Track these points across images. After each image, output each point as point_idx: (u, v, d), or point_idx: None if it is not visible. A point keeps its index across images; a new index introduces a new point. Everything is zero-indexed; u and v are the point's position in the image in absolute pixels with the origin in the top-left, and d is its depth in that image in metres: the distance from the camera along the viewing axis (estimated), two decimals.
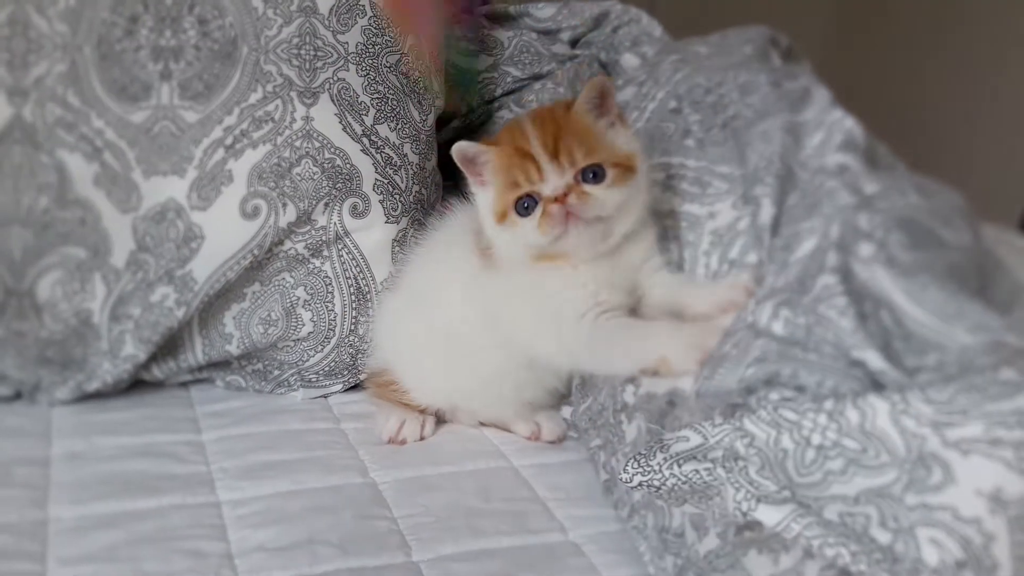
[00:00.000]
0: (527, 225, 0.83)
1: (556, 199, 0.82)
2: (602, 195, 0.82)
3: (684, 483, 0.61)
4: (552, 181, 0.82)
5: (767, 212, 0.82)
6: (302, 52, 1.01)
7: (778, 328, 0.72)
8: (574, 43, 1.37)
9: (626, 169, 0.84)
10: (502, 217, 0.85)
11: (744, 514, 0.58)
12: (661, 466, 0.62)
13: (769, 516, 0.57)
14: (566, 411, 0.99)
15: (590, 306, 0.85)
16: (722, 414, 0.69)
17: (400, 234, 1.04)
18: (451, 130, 1.30)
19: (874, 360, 0.66)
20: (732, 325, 0.76)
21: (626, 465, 0.62)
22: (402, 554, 0.80)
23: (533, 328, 0.88)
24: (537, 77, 1.32)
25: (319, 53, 1.02)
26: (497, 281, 0.89)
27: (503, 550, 0.80)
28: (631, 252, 0.87)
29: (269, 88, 1.00)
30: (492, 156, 0.86)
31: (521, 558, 0.79)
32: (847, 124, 0.89)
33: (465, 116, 1.31)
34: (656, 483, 0.62)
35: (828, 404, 0.59)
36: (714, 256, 0.85)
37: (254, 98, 0.99)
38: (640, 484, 0.62)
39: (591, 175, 0.82)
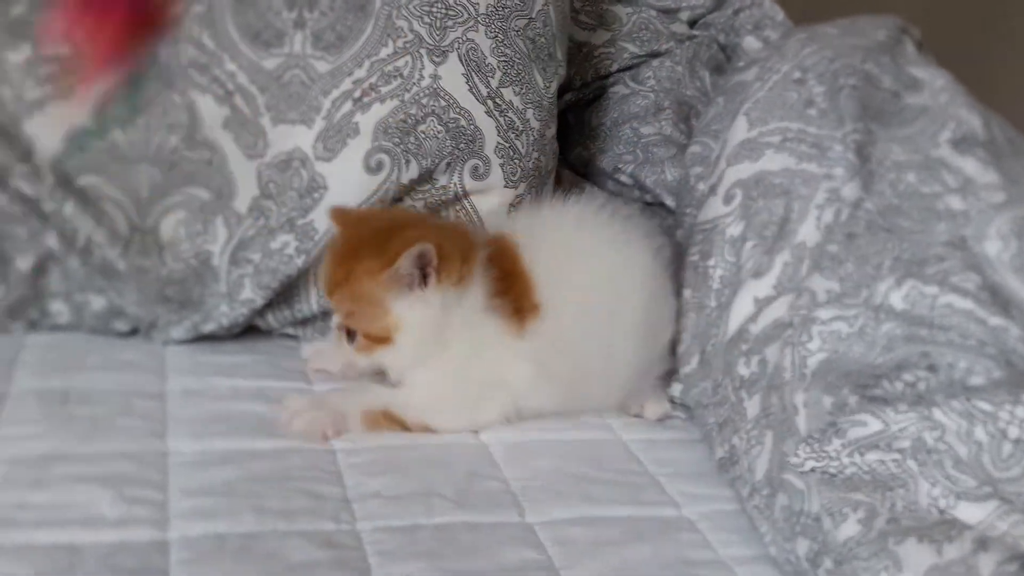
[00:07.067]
0: None
1: (337, 327, 0.89)
2: (350, 352, 0.88)
3: (866, 473, 0.58)
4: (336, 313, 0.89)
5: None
6: (434, 10, 1.01)
7: (898, 301, 0.70)
8: (692, 23, 1.35)
9: (379, 340, 0.86)
10: None
11: (941, 511, 0.55)
12: (840, 453, 0.59)
13: (970, 514, 0.55)
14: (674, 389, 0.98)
15: None
16: (855, 394, 0.67)
17: (517, 200, 1.04)
18: (564, 102, 1.29)
19: (1014, 328, 0.64)
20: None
21: (797, 450, 0.60)
22: (516, 513, 0.79)
23: None
24: (654, 55, 1.30)
25: (450, 12, 1.02)
26: None
27: (617, 519, 0.80)
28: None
29: (400, 44, 0.99)
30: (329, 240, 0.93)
31: (635, 528, 0.79)
32: (963, 117, 0.88)
33: (579, 90, 1.30)
34: (832, 470, 0.59)
35: None
36: (828, 211, 0.84)
37: (384, 52, 0.99)
38: (813, 470, 0.59)
39: (349, 331, 0.87)
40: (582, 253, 0.92)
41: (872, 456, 0.58)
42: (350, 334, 0.87)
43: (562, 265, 0.90)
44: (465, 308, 0.86)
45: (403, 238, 0.85)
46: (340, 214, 0.92)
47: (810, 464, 0.59)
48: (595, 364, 0.91)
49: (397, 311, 0.85)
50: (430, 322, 0.85)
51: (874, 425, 0.59)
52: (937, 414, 0.58)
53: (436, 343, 0.86)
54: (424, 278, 0.84)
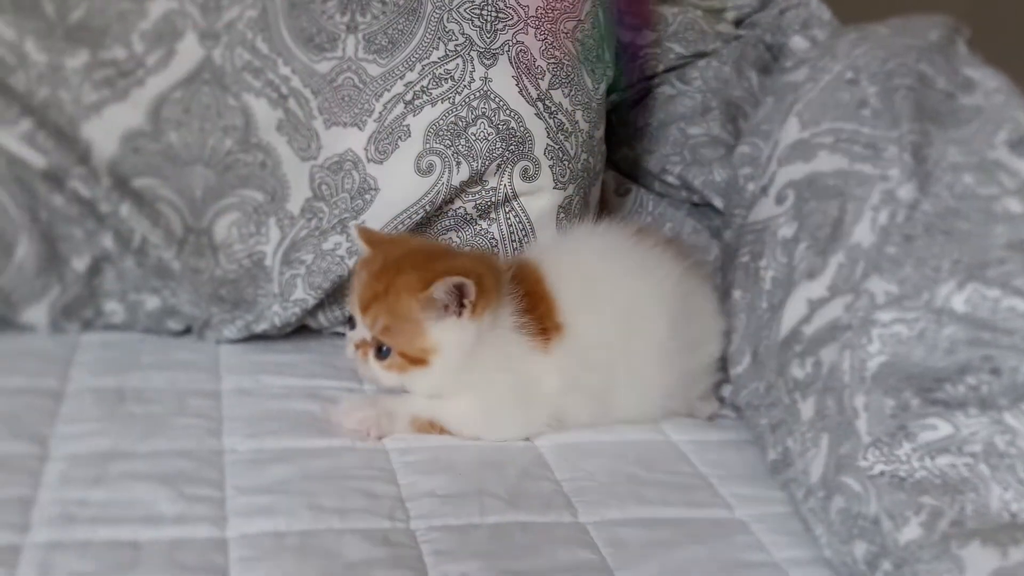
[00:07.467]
0: None
1: (356, 344, 0.88)
2: (376, 369, 0.88)
3: (937, 477, 0.58)
4: (359, 329, 0.88)
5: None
6: (484, 12, 1.01)
7: (960, 304, 0.70)
8: (738, 23, 1.35)
9: (415, 360, 0.86)
10: None
11: (1012, 515, 0.55)
12: (910, 457, 0.59)
13: None
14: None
15: None
16: (918, 397, 0.67)
17: (566, 201, 1.04)
18: (609, 102, 1.29)
19: None
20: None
21: (866, 453, 0.60)
22: (568, 514, 0.79)
23: None
24: (701, 55, 1.30)
25: (500, 15, 1.02)
26: None
27: (670, 520, 0.80)
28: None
29: (451, 46, 1.00)
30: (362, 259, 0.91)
31: (688, 529, 0.79)
32: (1020, 119, 0.87)
33: (624, 90, 1.30)
34: (902, 474, 0.59)
35: None
36: (884, 212, 0.84)
37: (435, 55, 1.00)
38: (882, 473, 0.59)
39: (380, 347, 0.87)
40: (602, 278, 0.93)
41: (943, 460, 0.58)
42: (380, 350, 0.87)
43: (583, 289, 0.92)
44: (497, 329, 0.88)
45: (446, 264, 0.86)
46: (368, 233, 0.93)
47: (879, 467, 0.58)
48: (622, 379, 0.92)
49: (434, 335, 0.86)
50: (466, 348, 0.86)
51: (944, 429, 0.59)
52: (1008, 418, 0.57)
53: (467, 367, 0.87)
54: (461, 308, 0.85)
